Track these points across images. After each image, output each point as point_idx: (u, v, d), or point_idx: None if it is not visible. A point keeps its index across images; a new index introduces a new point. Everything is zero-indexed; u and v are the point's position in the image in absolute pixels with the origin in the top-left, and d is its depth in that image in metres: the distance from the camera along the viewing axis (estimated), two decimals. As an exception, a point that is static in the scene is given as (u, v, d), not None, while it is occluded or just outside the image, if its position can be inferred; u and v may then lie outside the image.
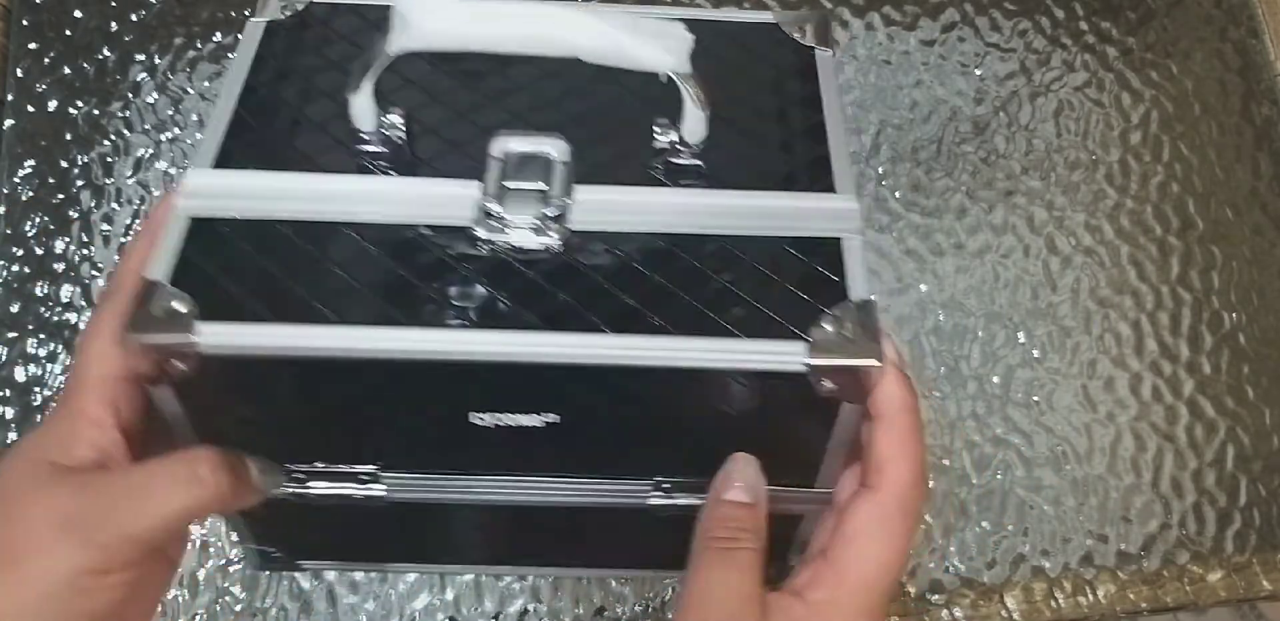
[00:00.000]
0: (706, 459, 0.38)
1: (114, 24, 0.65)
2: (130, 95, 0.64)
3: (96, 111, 0.63)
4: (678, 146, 0.39)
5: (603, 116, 0.42)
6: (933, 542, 0.58)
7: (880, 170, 0.64)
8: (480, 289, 0.36)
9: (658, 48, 0.34)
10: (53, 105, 0.63)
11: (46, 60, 0.64)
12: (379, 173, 0.39)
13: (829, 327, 0.34)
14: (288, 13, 0.44)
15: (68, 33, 0.65)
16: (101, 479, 0.34)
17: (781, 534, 0.39)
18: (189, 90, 0.64)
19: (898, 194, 0.64)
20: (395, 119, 0.39)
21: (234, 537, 0.55)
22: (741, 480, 0.37)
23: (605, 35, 0.34)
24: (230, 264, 0.35)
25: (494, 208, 0.37)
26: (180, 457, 0.34)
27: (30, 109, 0.63)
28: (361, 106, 0.38)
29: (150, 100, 0.64)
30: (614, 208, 0.38)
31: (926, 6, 0.68)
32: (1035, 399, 0.60)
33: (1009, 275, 0.63)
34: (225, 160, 0.38)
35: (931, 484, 0.59)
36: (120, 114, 0.63)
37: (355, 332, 0.34)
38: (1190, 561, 0.58)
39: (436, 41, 0.35)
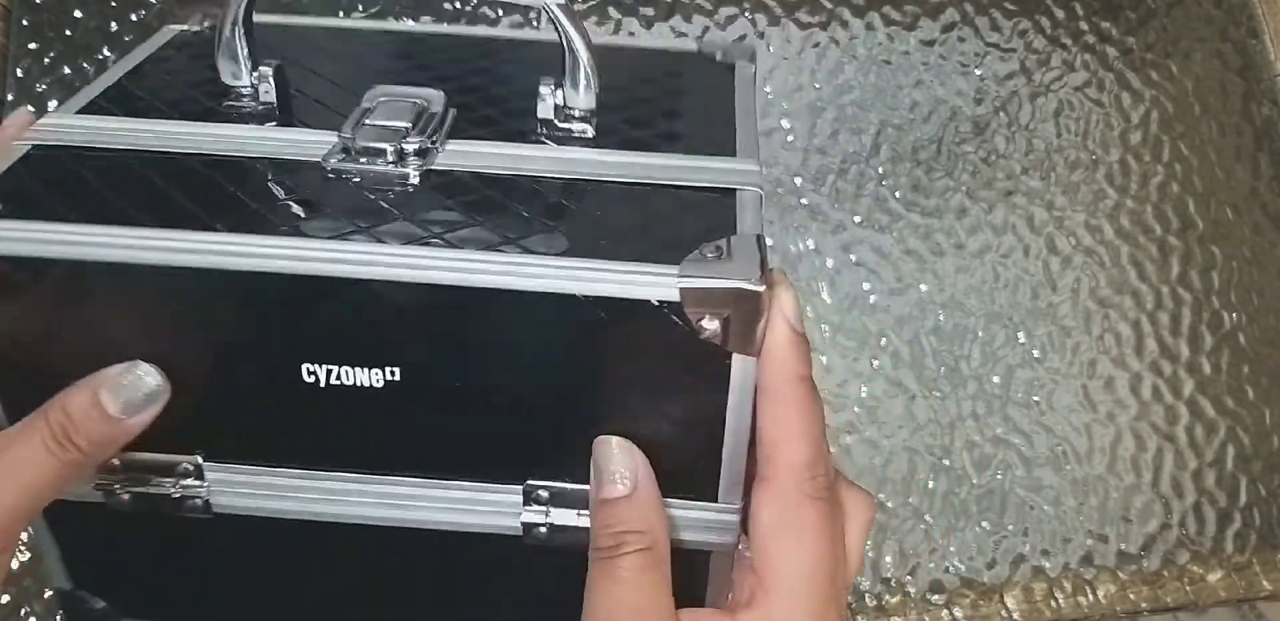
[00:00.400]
0: (581, 451, 0.33)
1: (114, 24, 0.65)
2: None
3: (96, 111, 0.63)
4: (567, 111, 0.37)
5: (489, 85, 0.40)
6: (933, 542, 0.58)
7: (880, 170, 0.65)
8: (317, 207, 0.32)
9: None
10: (53, 105, 0.63)
11: (46, 60, 0.64)
12: (239, 122, 0.37)
13: (708, 255, 0.30)
14: (205, 25, 0.43)
15: (68, 33, 0.65)
16: None
17: (689, 577, 0.33)
18: (189, 90, 0.64)
19: (898, 194, 0.64)
20: (266, 78, 0.38)
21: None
22: (612, 467, 0.32)
23: None
24: (54, 179, 0.33)
25: (349, 140, 0.34)
26: (46, 424, 0.32)
27: (30, 109, 0.63)
28: (231, 50, 0.37)
29: (150, 100, 0.64)
30: (486, 159, 0.35)
31: (926, 6, 0.68)
32: (1035, 399, 0.60)
33: (1009, 275, 0.63)
34: (90, 110, 0.37)
35: (931, 484, 0.59)
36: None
37: (165, 235, 0.30)
38: (1190, 561, 0.58)
39: None
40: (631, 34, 0.65)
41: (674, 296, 0.30)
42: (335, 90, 0.39)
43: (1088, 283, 0.63)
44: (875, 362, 0.61)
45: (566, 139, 0.37)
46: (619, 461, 0.32)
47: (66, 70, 0.64)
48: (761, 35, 0.66)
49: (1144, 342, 0.62)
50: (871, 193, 0.64)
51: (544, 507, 0.34)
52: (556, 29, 0.35)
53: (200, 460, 0.35)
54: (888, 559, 0.58)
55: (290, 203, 0.33)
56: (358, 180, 0.34)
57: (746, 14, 0.66)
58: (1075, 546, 0.58)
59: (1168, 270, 0.64)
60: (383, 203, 0.33)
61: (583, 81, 0.36)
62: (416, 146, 0.34)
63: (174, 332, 0.33)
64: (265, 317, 0.32)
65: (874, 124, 0.65)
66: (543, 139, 0.37)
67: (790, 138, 0.65)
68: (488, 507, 0.35)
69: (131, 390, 0.32)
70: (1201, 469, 0.60)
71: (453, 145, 0.36)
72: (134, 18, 0.65)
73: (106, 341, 0.33)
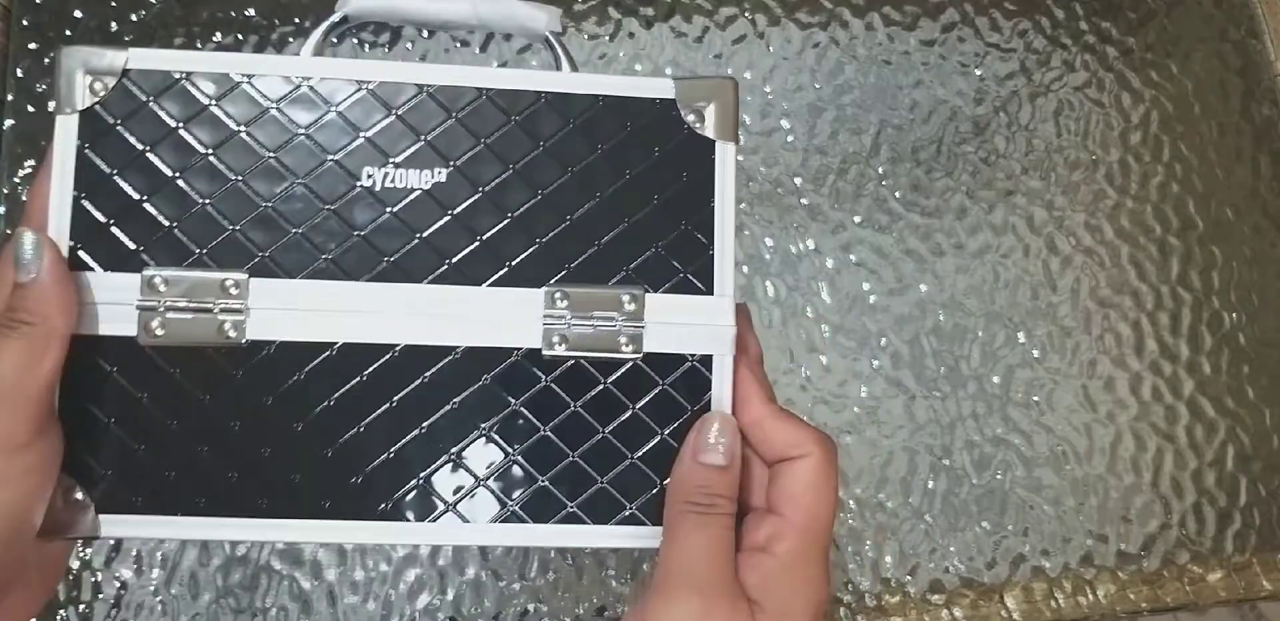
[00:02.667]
0: (595, 256, 0.39)
1: (114, 24, 0.65)
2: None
3: (96, 111, 0.63)
4: None
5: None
6: (933, 542, 0.58)
7: (880, 170, 0.65)
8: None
9: (538, 9, 0.42)
10: (53, 105, 0.63)
11: (46, 60, 0.64)
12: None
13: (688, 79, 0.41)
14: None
15: (68, 33, 0.65)
16: None
17: (692, 382, 0.40)
18: (189, 90, 0.64)
19: (898, 194, 0.64)
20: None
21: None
22: (715, 438, 0.38)
23: (497, 3, 0.42)
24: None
25: None
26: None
27: (30, 109, 0.63)
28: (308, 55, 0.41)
29: (150, 100, 0.64)
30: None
31: (926, 6, 0.68)
32: (1035, 399, 0.60)
33: (1009, 275, 0.63)
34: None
35: (931, 484, 0.59)
36: (120, 114, 0.63)
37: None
38: (1190, 561, 0.58)
39: (377, 10, 0.42)
40: (632, 34, 0.65)
41: (670, 92, 0.40)
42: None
43: (1088, 283, 0.63)
44: (875, 362, 0.61)
45: None
46: (723, 434, 0.38)
47: (66, 70, 0.64)
48: (761, 35, 0.66)
49: (1144, 343, 0.62)
50: (871, 193, 0.64)
51: (563, 311, 0.39)
52: (557, 51, 0.43)
53: (245, 276, 0.38)
54: (888, 559, 0.58)
55: None
56: None
57: (746, 14, 0.66)
58: (1075, 546, 0.58)
59: (1168, 270, 0.64)
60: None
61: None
62: None
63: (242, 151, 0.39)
64: (337, 126, 0.39)
65: (874, 124, 0.65)
66: None
67: (790, 138, 0.65)
68: (513, 310, 0.39)
69: (17, 250, 0.36)
70: (1201, 469, 0.60)
71: None
72: (134, 18, 0.65)
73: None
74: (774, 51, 0.66)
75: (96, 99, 0.39)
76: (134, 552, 0.56)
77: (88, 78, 0.39)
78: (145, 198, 0.39)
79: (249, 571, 0.55)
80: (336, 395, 0.39)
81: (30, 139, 0.63)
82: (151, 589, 0.55)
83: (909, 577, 0.58)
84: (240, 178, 0.39)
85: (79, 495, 0.38)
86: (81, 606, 0.55)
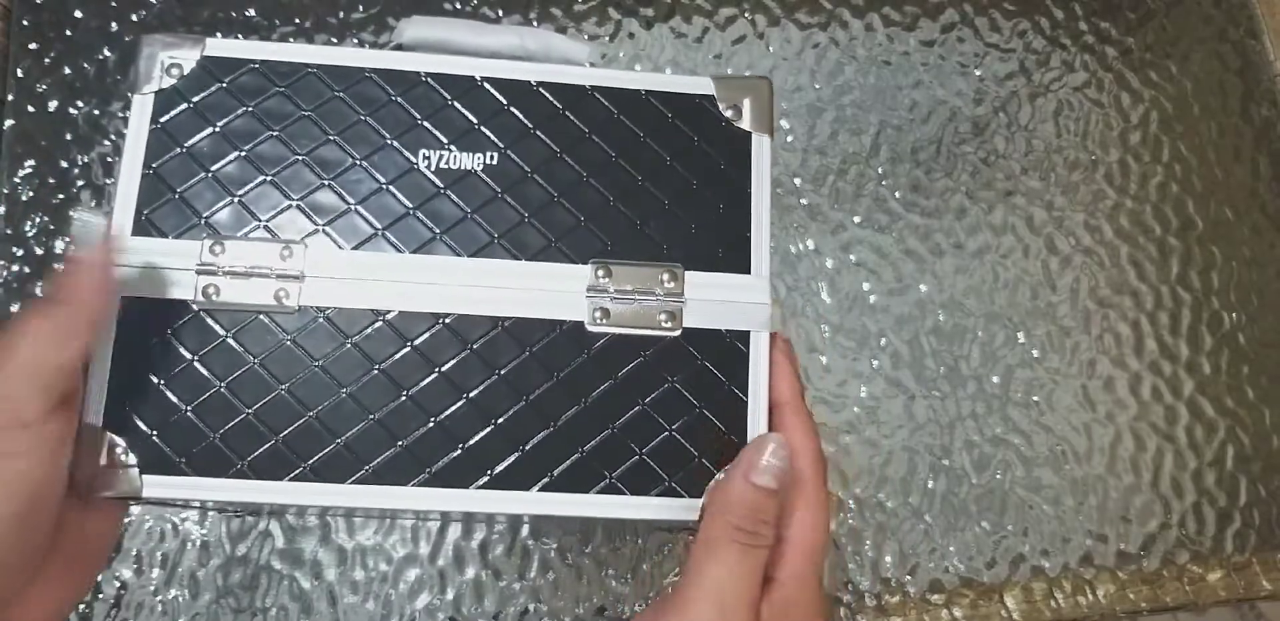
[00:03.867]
0: (638, 236, 0.42)
1: (114, 24, 0.65)
2: (130, 95, 0.64)
3: (96, 111, 0.63)
4: None
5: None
6: (933, 542, 0.58)
7: (880, 170, 0.65)
8: None
9: (578, 43, 0.46)
10: (53, 105, 0.63)
11: (46, 60, 0.64)
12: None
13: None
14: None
15: (68, 33, 0.65)
16: None
17: (730, 360, 0.41)
18: (189, 90, 0.64)
19: (898, 194, 0.64)
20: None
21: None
22: (768, 461, 0.38)
23: (540, 38, 0.45)
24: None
25: None
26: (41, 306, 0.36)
27: (30, 109, 0.63)
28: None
29: (150, 100, 0.64)
30: None
31: (926, 7, 0.68)
32: (1035, 399, 0.60)
33: (1008, 275, 0.63)
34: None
35: (931, 484, 0.59)
36: (120, 114, 0.63)
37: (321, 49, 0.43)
38: (1190, 561, 0.58)
39: (429, 39, 0.44)
40: (631, 35, 0.65)
41: (710, 89, 0.43)
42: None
43: (1087, 283, 0.63)
44: (875, 362, 0.61)
45: None
46: (776, 456, 0.39)
47: (66, 70, 0.64)
48: (761, 35, 0.66)
49: (1143, 343, 0.62)
50: (871, 193, 0.64)
51: (606, 286, 0.41)
52: None
53: (303, 244, 0.40)
54: (888, 559, 0.58)
55: None
56: None
57: (746, 14, 0.66)
58: (1075, 546, 0.58)
59: (1167, 270, 0.64)
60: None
61: None
62: None
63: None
64: (397, 112, 0.42)
65: (874, 124, 0.66)
66: None
67: (790, 138, 0.65)
68: (557, 284, 0.41)
69: (76, 229, 0.37)
70: (1201, 469, 0.60)
71: None
72: (134, 18, 0.65)
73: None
74: (773, 52, 0.66)
75: (174, 81, 0.42)
76: (134, 552, 0.56)
77: (166, 62, 0.42)
78: (212, 172, 0.41)
79: (249, 571, 0.55)
80: (384, 363, 0.40)
81: (30, 139, 0.63)
82: (151, 589, 0.55)
83: (909, 577, 0.58)
84: (303, 156, 0.41)
85: (124, 455, 0.38)
86: (81, 606, 0.55)
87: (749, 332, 0.41)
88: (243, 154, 0.41)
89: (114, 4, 0.66)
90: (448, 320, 0.40)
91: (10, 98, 0.64)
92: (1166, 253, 0.64)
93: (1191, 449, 0.60)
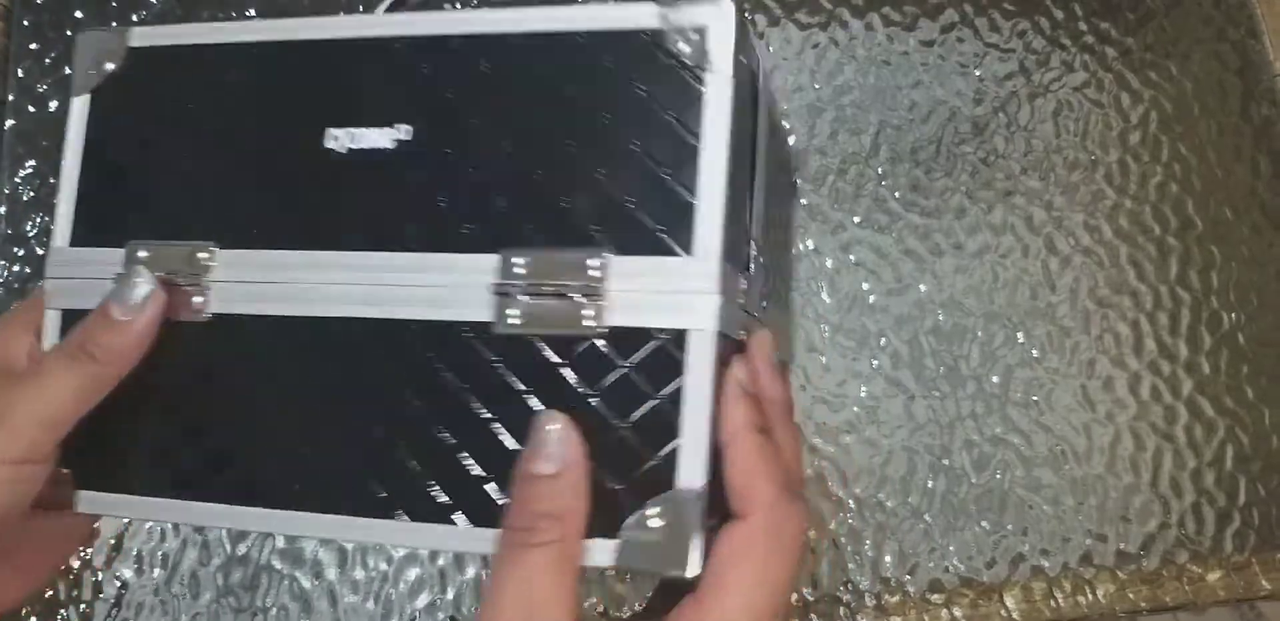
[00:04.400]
0: (565, 212, 0.34)
1: (114, 24, 0.65)
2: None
3: (97, 112, 0.63)
4: None
5: None
6: (932, 542, 0.58)
7: (880, 170, 0.65)
8: None
9: None
10: (53, 105, 0.63)
11: (47, 60, 0.64)
12: None
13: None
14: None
15: (68, 33, 0.65)
16: (6, 378, 0.37)
17: (662, 363, 0.33)
18: (189, 90, 0.64)
19: (897, 194, 0.64)
20: None
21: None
22: (547, 447, 0.32)
23: None
24: None
25: None
26: (67, 343, 0.36)
27: (30, 109, 0.63)
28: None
29: (150, 100, 0.64)
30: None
31: (926, 7, 0.68)
32: (1034, 398, 0.60)
33: (1008, 275, 0.63)
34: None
35: (931, 484, 0.59)
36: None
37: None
38: (1190, 561, 0.58)
39: None
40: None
41: (656, 21, 0.35)
42: None
43: (1086, 283, 0.63)
44: (875, 362, 0.61)
45: None
46: (555, 439, 0.32)
47: (66, 70, 0.64)
48: (761, 35, 0.66)
49: (1143, 342, 0.62)
50: (871, 193, 0.64)
51: (518, 279, 0.34)
52: None
53: (215, 247, 0.37)
54: (887, 558, 0.58)
55: None
56: None
57: (746, 14, 0.66)
58: (1074, 546, 0.58)
59: (1166, 270, 0.64)
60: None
61: None
62: None
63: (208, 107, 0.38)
64: (297, 84, 0.38)
65: (873, 124, 0.66)
66: None
67: (791, 138, 0.65)
68: (464, 278, 0.35)
69: (127, 292, 0.36)
70: (1200, 468, 0.60)
71: None
72: (134, 18, 0.66)
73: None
74: (773, 52, 0.66)
75: (101, 79, 0.40)
76: (135, 552, 0.56)
77: (98, 58, 0.40)
78: (132, 173, 0.39)
79: (249, 571, 0.55)
80: (297, 372, 0.37)
81: (30, 139, 0.63)
82: (152, 588, 0.55)
83: (908, 577, 0.58)
84: (217, 148, 0.38)
85: (62, 469, 0.38)
86: (82, 606, 0.55)
87: (685, 332, 0.33)
88: (164, 151, 0.38)
89: (114, 4, 0.66)
90: (357, 325, 0.36)
91: (10, 98, 0.64)
92: (1166, 252, 0.64)
93: (1191, 448, 0.60)
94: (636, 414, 0.33)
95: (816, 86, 0.66)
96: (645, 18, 0.35)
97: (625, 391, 0.33)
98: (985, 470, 0.59)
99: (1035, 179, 0.65)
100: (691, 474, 0.33)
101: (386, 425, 0.36)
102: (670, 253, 0.33)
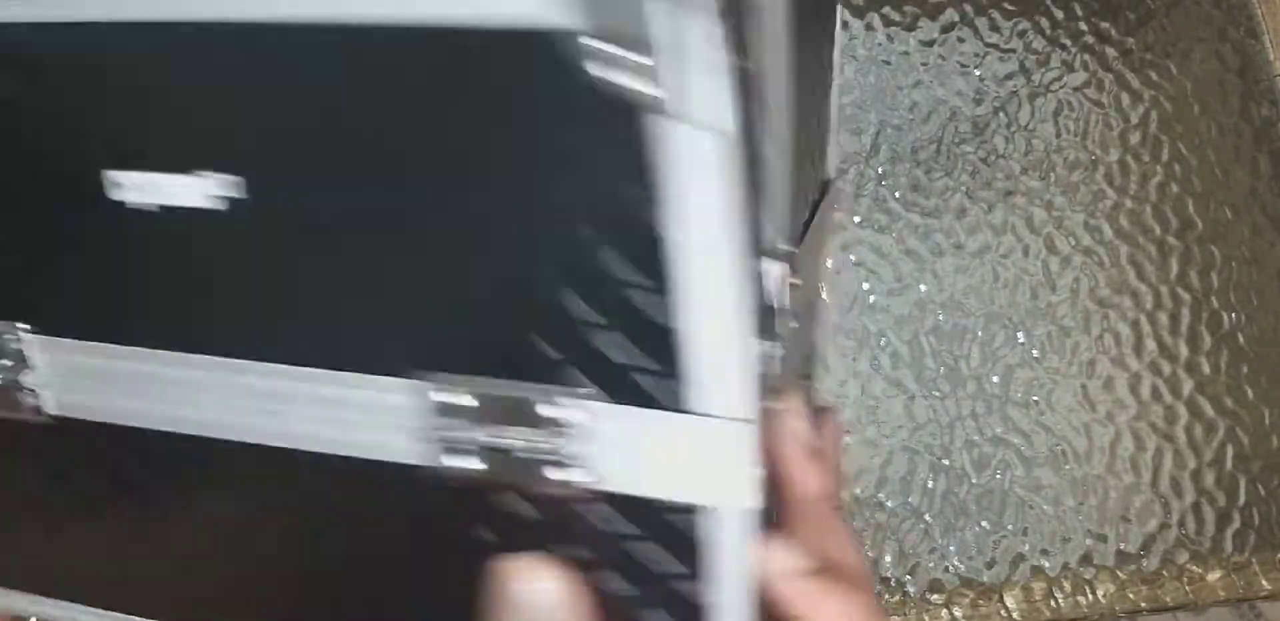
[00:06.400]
0: (500, 321, 0.22)
1: None
2: None
3: (97, 111, 0.63)
4: None
5: None
6: (933, 542, 0.58)
7: (880, 170, 0.65)
8: None
9: None
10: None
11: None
12: None
13: None
14: None
15: None
16: None
17: (671, 541, 0.23)
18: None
19: (897, 194, 0.64)
20: None
21: None
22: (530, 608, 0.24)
23: None
24: None
25: None
26: None
27: None
28: None
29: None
30: None
31: (926, 7, 0.68)
32: (1035, 398, 0.60)
33: (1008, 275, 0.63)
34: None
35: (931, 484, 0.59)
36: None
37: None
38: (1190, 561, 0.58)
39: None
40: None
41: (566, 18, 0.19)
42: None
43: (1087, 283, 0.63)
44: (875, 362, 0.61)
45: None
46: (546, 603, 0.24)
47: None
48: (761, 35, 0.66)
49: (1143, 342, 0.62)
50: (871, 193, 0.64)
51: (449, 407, 0.23)
52: None
53: (27, 328, 0.27)
54: (888, 558, 0.58)
55: None
56: None
57: (746, 14, 0.66)
58: (1074, 546, 0.58)
59: (1167, 270, 0.64)
60: None
61: None
62: None
63: None
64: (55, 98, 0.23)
65: (874, 124, 0.66)
66: None
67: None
68: (378, 415, 0.23)
69: None
70: (1200, 468, 0.60)
71: None
72: (134, 18, 0.66)
73: None
74: (773, 52, 0.66)
75: None
76: None
77: None
78: None
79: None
80: (142, 491, 0.29)
81: (31, 139, 0.63)
82: (151, 588, 0.55)
83: (908, 577, 0.58)
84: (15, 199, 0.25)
85: None
86: (82, 606, 0.55)
87: (696, 508, 0.22)
88: None
89: None
90: (211, 446, 0.26)
91: (11, 98, 0.63)
92: (1166, 252, 0.64)
93: (1191, 448, 0.60)
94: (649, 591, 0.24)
95: (816, 86, 0.66)
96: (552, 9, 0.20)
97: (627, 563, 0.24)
98: (985, 470, 0.59)
99: (1035, 179, 0.65)
100: None
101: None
102: (660, 406, 0.21)
